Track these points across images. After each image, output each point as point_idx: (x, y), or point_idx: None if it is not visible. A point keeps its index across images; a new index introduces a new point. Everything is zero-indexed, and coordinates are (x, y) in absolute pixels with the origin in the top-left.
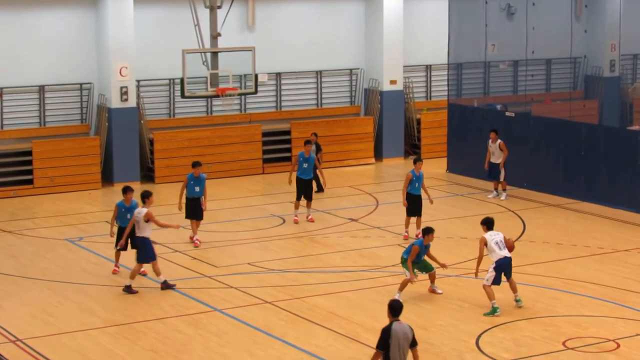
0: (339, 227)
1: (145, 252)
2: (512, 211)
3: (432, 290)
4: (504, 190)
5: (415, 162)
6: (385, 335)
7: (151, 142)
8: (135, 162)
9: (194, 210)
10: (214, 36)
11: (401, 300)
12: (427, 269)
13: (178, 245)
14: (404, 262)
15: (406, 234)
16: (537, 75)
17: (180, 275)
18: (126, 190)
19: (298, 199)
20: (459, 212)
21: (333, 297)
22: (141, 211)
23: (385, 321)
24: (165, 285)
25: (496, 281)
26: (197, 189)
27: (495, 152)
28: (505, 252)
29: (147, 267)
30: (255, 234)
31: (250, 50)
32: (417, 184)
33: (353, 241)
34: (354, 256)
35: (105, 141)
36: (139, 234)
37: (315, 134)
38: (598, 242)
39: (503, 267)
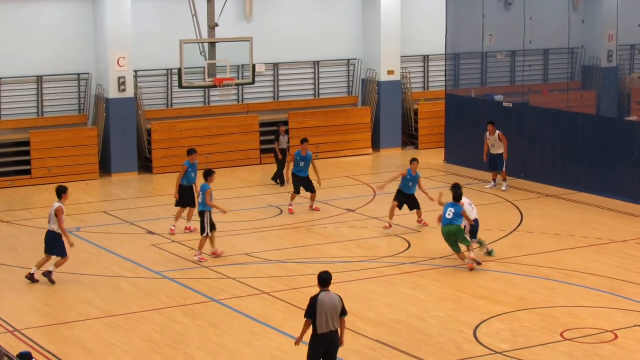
0: (336, 217)
1: (55, 245)
2: (510, 202)
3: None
4: (505, 180)
5: (411, 162)
6: (312, 304)
7: (149, 132)
8: (133, 153)
9: (191, 198)
10: (212, 27)
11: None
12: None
13: (175, 235)
14: (460, 232)
15: (387, 225)
16: (535, 65)
17: (177, 266)
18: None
19: (296, 192)
20: None
21: (331, 288)
22: (54, 205)
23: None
24: (46, 276)
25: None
26: (193, 175)
27: (496, 144)
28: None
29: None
30: (253, 225)
31: (248, 41)
32: (411, 184)
33: (351, 232)
34: (352, 247)
35: (102, 132)
36: (50, 227)
37: (285, 123)
38: (596, 233)
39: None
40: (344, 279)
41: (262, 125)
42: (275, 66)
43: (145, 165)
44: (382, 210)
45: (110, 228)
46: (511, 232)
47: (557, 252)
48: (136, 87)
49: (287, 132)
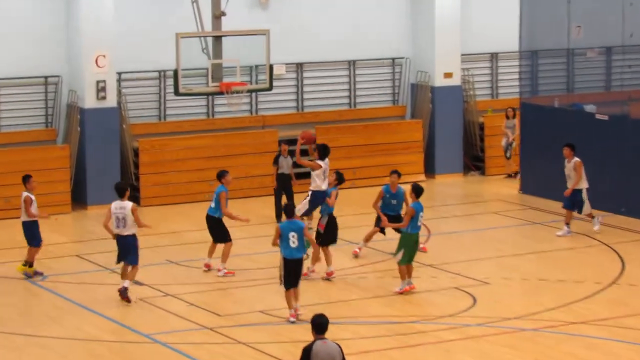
0: (378, 264)
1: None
2: (607, 244)
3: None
4: (593, 217)
5: (391, 174)
6: (305, 356)
7: (135, 152)
8: (115, 179)
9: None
10: (217, 16)
11: None
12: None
13: (170, 286)
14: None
15: (357, 250)
16: (637, 66)
17: (172, 327)
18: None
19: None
20: (535, 245)
21: (373, 358)
22: (126, 205)
23: None
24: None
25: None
26: (212, 205)
27: (571, 174)
28: None
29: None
30: (270, 273)
31: (264, 34)
32: (393, 201)
33: (398, 283)
34: (399, 303)
35: (76, 151)
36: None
37: (285, 142)
38: None
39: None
40: (389, 345)
41: (284, 143)
42: (299, 67)
43: (130, 195)
44: (439, 256)
45: (84, 276)
46: (609, 285)
47: None
48: (119, 93)
49: (291, 153)
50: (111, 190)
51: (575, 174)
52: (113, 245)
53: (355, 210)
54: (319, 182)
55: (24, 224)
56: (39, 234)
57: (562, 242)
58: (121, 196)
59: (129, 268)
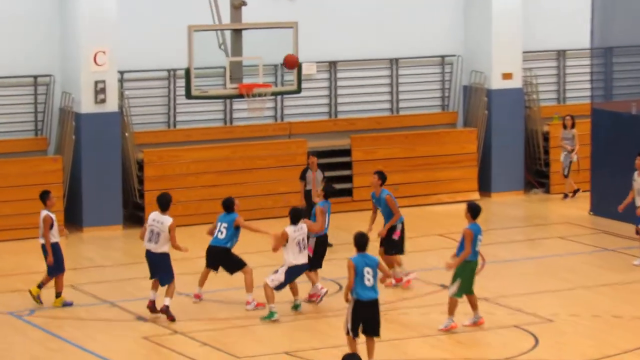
0: (424, 298)
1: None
2: None
3: None
4: None
5: (374, 174)
6: None
7: (140, 165)
8: (115, 196)
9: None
10: (237, 6)
11: None
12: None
13: (180, 323)
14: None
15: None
16: None
17: None
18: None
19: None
20: (609, 276)
21: None
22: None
23: None
24: None
25: None
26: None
27: None
28: None
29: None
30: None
31: (291, 28)
32: (377, 208)
33: (446, 319)
34: (449, 343)
35: (70, 164)
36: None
37: (315, 154)
38: None
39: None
40: None
41: (312, 155)
42: (332, 66)
43: (133, 215)
44: (495, 288)
45: (80, 311)
46: None
47: None
48: (122, 96)
49: (320, 166)
50: (111, 210)
51: None
52: (112, 274)
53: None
54: (291, 256)
55: (44, 246)
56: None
57: (639, 273)
58: (163, 209)
59: (166, 286)
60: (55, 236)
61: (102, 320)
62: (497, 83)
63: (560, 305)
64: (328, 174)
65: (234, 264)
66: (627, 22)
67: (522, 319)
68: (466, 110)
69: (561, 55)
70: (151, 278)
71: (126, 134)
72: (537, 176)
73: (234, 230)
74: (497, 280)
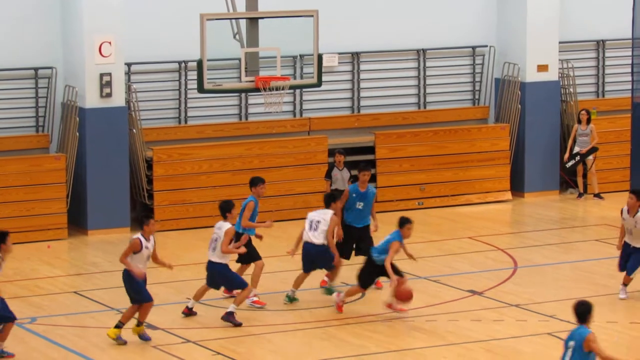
0: (452, 304)
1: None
2: None
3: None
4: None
5: (360, 170)
6: None
7: (149, 163)
8: (122, 197)
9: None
10: None
11: None
12: None
13: (191, 331)
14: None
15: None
16: None
17: None
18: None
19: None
20: None
21: None
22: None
23: None
24: None
25: None
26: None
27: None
28: None
29: None
30: (314, 314)
31: (311, 16)
32: (359, 204)
33: (476, 327)
34: (480, 353)
35: (74, 163)
36: None
37: (341, 152)
38: None
39: None
40: None
41: (334, 153)
42: (355, 58)
43: (142, 217)
44: (528, 294)
45: (84, 318)
46: None
47: None
48: (129, 90)
49: (346, 164)
50: (117, 212)
51: None
52: (119, 280)
53: (422, 237)
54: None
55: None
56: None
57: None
58: (223, 216)
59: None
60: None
61: (108, 328)
62: (531, 75)
63: (597, 312)
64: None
65: (247, 254)
66: None
67: (555, 326)
68: (498, 104)
69: (600, 45)
70: (208, 286)
71: (134, 131)
72: (573, 176)
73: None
74: (530, 285)
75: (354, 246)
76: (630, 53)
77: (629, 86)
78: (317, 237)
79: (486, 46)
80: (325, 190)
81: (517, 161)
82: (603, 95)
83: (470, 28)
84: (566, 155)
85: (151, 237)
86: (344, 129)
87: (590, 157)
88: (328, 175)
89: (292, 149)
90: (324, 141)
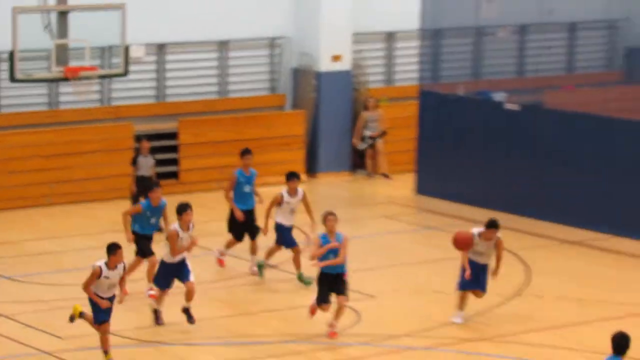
0: (246, 277)
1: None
2: (511, 251)
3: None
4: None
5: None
6: None
7: None
8: None
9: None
10: None
11: None
12: None
13: (2, 305)
14: None
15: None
16: (556, 47)
17: (9, 352)
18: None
19: (238, 238)
20: (430, 253)
21: None
22: None
23: None
24: None
25: None
26: (152, 220)
27: (485, 252)
28: None
29: None
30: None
31: (119, 9)
32: (246, 188)
33: (271, 298)
34: (272, 321)
35: None
36: None
37: (145, 139)
38: (638, 297)
39: None
40: None
41: (141, 138)
42: (160, 49)
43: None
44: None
45: None
46: (512, 297)
47: (579, 325)
48: None
49: (151, 150)
50: None
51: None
52: None
53: (221, 215)
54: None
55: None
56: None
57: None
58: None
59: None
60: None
61: None
62: (326, 65)
63: (383, 281)
64: (156, 156)
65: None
66: (455, 3)
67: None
68: (295, 93)
69: (390, 37)
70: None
71: None
72: (363, 157)
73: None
74: None
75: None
76: (417, 44)
77: (417, 75)
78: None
79: (283, 37)
80: (131, 175)
81: (312, 145)
82: (393, 84)
83: (269, 20)
84: (355, 139)
85: (119, 266)
86: (149, 116)
87: (380, 140)
88: (134, 162)
89: (99, 135)
90: (129, 128)
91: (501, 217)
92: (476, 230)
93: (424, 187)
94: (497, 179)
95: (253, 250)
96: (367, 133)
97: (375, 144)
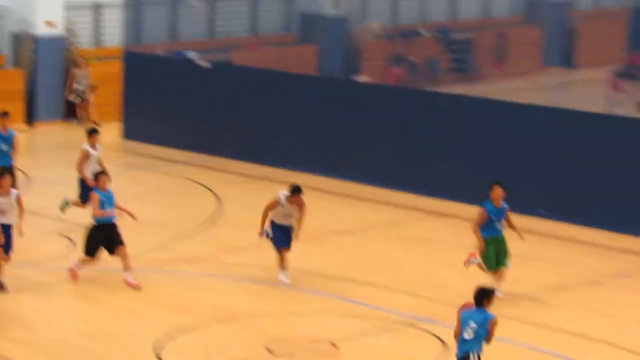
0: None
1: None
2: (201, 182)
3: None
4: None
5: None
6: None
7: None
8: None
9: None
10: None
11: None
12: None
13: None
14: None
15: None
16: (241, 13)
17: None
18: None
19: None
20: (138, 189)
21: None
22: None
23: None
24: None
25: None
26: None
27: (291, 214)
28: None
29: None
30: None
31: None
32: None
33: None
34: None
35: None
36: None
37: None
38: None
39: None
40: None
41: None
42: None
43: None
44: (40, 203)
45: None
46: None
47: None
48: None
49: None
50: None
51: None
52: None
53: None
54: None
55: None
56: None
57: (161, 185)
58: None
59: None
60: None
61: None
62: (42, 30)
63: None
64: None
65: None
66: None
67: (63, 226)
68: (15, 54)
69: (98, 6)
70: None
71: None
72: (73, 109)
73: None
74: (40, 197)
75: None
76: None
77: (122, 38)
78: None
79: (3, 6)
80: None
81: (30, 99)
82: (101, 45)
83: None
84: (67, 93)
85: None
86: None
87: (90, 94)
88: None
89: None
90: None
91: (194, 157)
92: (282, 194)
93: (130, 133)
94: (191, 125)
95: None
96: (79, 87)
97: (85, 96)
